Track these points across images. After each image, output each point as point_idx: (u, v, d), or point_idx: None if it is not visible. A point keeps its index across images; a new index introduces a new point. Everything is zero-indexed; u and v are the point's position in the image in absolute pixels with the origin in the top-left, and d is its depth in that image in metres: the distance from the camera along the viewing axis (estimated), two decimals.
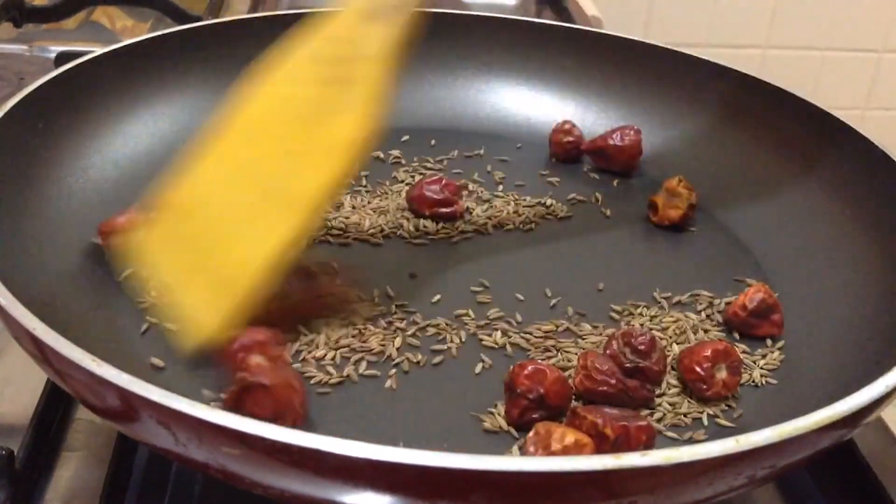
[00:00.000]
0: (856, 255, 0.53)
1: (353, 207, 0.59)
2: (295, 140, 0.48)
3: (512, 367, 0.44)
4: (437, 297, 0.51)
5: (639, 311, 0.52)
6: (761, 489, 0.48)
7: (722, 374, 0.46)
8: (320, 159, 0.47)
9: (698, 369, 0.45)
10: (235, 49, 0.66)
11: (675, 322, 0.51)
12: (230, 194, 0.48)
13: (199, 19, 0.79)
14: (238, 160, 0.48)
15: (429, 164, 0.65)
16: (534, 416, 0.43)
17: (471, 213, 0.59)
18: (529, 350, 0.48)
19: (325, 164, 0.47)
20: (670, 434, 0.44)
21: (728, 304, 0.52)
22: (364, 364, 0.46)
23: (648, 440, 0.40)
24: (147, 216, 0.49)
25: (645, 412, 0.45)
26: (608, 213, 0.61)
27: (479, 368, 0.47)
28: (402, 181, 0.62)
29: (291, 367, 0.43)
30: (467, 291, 0.52)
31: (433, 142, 0.67)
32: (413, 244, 0.56)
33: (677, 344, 0.49)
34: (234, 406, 0.39)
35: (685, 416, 0.45)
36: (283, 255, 0.46)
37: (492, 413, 0.44)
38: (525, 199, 0.61)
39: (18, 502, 0.42)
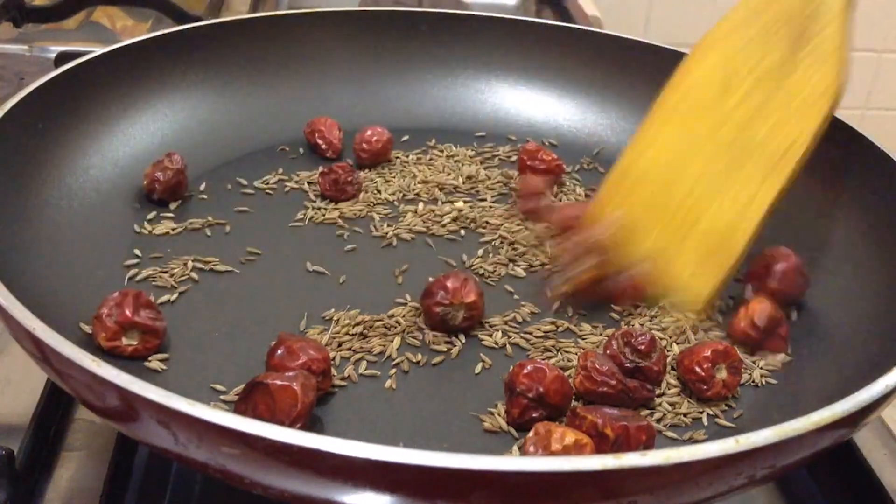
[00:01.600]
0: (856, 256, 0.53)
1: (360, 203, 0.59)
2: (757, 100, 0.49)
3: (512, 366, 0.44)
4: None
5: (639, 310, 0.52)
6: (761, 489, 0.48)
7: (722, 375, 0.45)
8: (791, 116, 0.48)
9: (698, 370, 0.45)
10: (235, 49, 0.66)
11: (674, 322, 0.51)
12: (698, 162, 0.50)
13: (199, 19, 0.79)
14: (697, 128, 0.51)
15: (428, 164, 0.65)
16: (534, 415, 0.42)
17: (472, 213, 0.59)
18: (529, 350, 0.48)
19: (798, 120, 0.48)
20: (670, 434, 0.44)
21: (728, 307, 0.52)
22: (364, 364, 0.46)
23: (648, 440, 0.40)
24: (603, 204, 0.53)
25: (645, 412, 0.45)
26: None
27: (478, 368, 0.47)
28: (401, 179, 0.62)
29: (309, 378, 0.42)
30: None
31: (433, 141, 0.67)
32: (413, 244, 0.56)
33: (677, 344, 0.49)
34: (244, 404, 0.40)
35: (685, 416, 0.45)
36: (767, 215, 0.49)
37: (492, 413, 0.44)
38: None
39: (18, 502, 0.42)
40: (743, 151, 0.49)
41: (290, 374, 0.41)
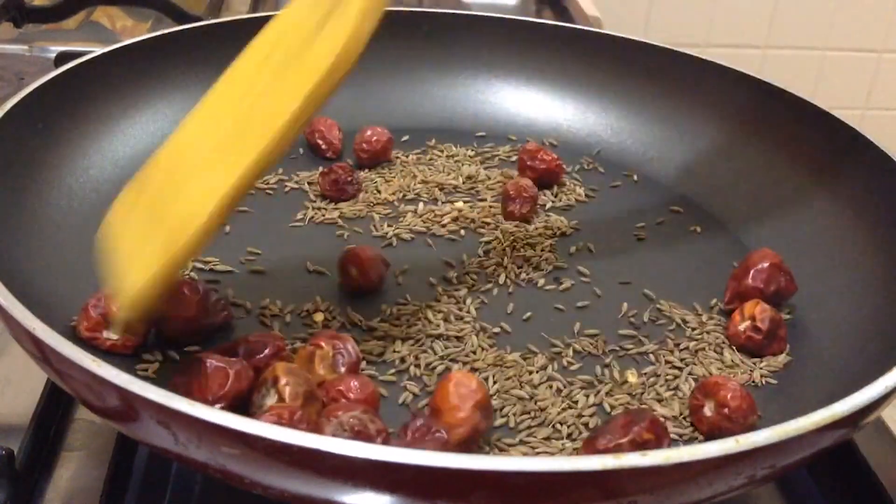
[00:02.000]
0: (856, 256, 0.53)
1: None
2: (264, 78, 0.42)
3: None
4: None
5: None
6: (761, 489, 0.48)
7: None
8: (287, 84, 0.41)
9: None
10: (235, 49, 0.66)
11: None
12: (192, 142, 0.42)
13: (199, 19, 0.79)
14: (210, 114, 0.43)
15: (428, 164, 0.65)
16: None
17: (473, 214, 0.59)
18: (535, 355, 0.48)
19: (288, 91, 0.41)
20: (671, 434, 0.44)
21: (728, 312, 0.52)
22: (363, 364, 0.46)
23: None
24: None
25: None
26: (607, 216, 0.61)
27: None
28: (401, 179, 0.62)
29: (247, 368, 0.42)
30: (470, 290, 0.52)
31: (433, 141, 0.67)
32: (413, 244, 0.56)
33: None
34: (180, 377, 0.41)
35: (684, 418, 0.45)
36: (235, 199, 0.40)
37: None
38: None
39: (18, 502, 0.42)
40: (236, 133, 0.41)
41: (232, 359, 0.41)
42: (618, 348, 0.49)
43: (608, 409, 0.45)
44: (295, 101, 0.40)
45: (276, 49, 0.43)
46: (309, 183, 0.61)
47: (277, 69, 0.42)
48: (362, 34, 0.42)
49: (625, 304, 0.52)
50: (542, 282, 0.53)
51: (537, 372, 0.46)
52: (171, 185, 0.41)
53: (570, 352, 0.48)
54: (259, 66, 0.43)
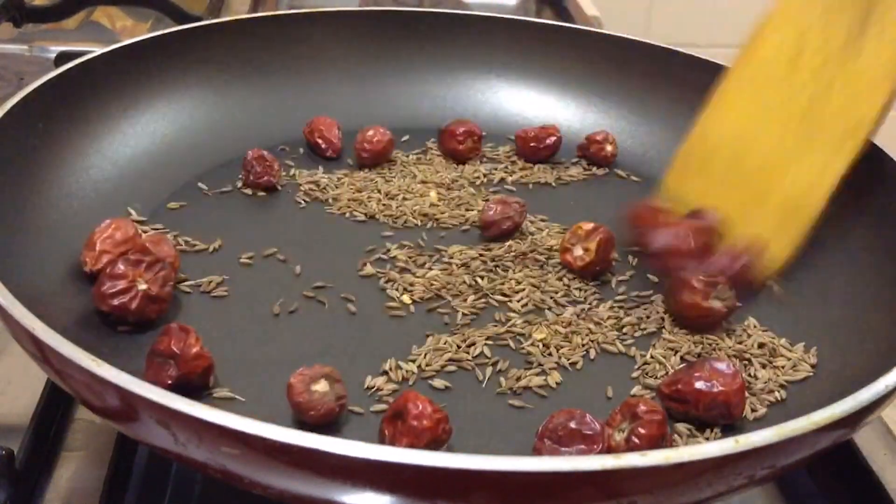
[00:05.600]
0: (855, 256, 0.53)
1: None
2: (826, 78, 0.53)
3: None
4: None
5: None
6: (761, 489, 0.48)
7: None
8: (859, 95, 0.52)
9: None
10: (235, 49, 0.67)
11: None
12: (770, 134, 0.54)
13: (199, 19, 0.79)
14: (768, 101, 0.55)
15: (428, 164, 0.65)
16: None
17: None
18: (533, 359, 0.48)
19: (865, 99, 0.51)
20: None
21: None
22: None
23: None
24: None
25: None
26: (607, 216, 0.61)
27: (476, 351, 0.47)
28: (401, 179, 0.62)
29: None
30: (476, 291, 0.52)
31: (433, 141, 0.67)
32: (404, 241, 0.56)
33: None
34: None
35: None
36: (837, 184, 0.52)
37: None
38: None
39: (18, 502, 0.42)
40: (813, 125, 0.53)
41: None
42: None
43: None
44: (872, 114, 0.52)
45: (802, 51, 0.54)
46: (309, 182, 0.61)
47: (820, 69, 0.53)
48: None
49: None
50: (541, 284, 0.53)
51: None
52: (768, 166, 0.54)
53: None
54: (789, 67, 0.55)
